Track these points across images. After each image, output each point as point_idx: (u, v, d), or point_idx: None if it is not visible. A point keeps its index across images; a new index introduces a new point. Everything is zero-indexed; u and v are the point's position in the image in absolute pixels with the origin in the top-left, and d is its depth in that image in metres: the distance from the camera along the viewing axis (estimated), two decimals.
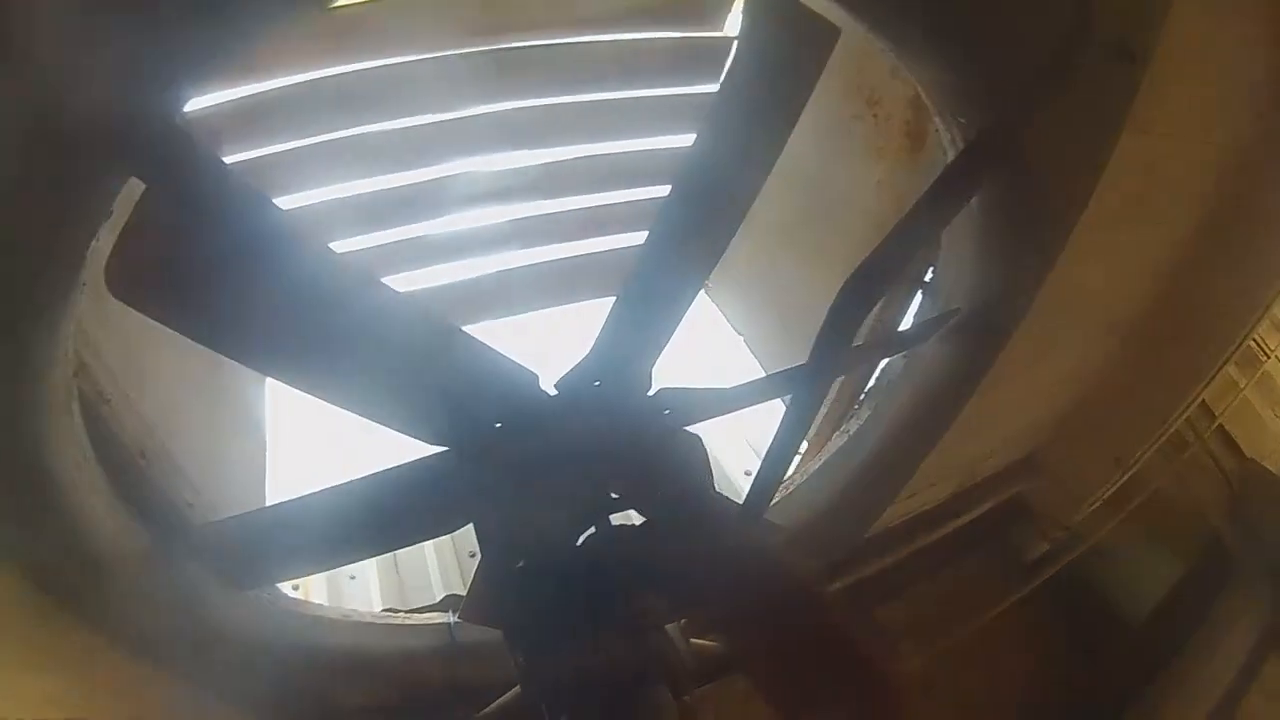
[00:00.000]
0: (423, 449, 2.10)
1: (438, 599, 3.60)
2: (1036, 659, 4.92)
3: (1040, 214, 2.59)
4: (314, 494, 2.16)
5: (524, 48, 3.63)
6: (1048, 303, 2.82)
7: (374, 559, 3.85)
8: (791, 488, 3.25)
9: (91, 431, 2.03)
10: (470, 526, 2.23)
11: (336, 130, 3.63)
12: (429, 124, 3.78)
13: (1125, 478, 4.12)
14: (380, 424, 1.97)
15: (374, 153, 3.80)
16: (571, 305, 4.97)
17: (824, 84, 2.09)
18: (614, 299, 2.10)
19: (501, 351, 1.97)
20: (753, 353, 4.79)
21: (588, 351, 2.09)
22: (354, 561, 3.64)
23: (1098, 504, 4.23)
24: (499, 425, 2.00)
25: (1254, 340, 4.25)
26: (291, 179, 3.66)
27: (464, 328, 1.96)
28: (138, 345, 2.57)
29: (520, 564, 1.99)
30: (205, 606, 2.43)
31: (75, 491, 1.97)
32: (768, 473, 2.24)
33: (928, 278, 2.97)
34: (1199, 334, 3.65)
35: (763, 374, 4.00)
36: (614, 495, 2.08)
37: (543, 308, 4.93)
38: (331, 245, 1.87)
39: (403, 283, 4.25)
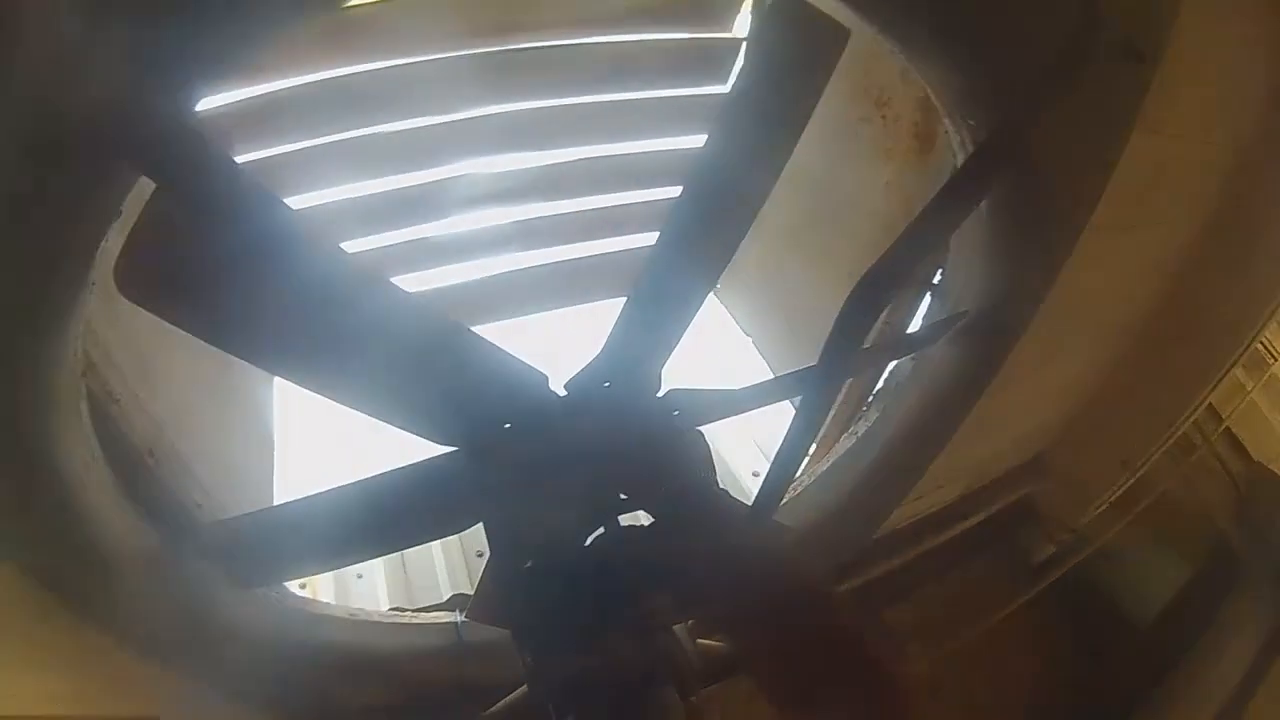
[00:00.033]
0: (431, 449, 2.11)
1: (445, 598, 3.61)
2: (1043, 661, 4.92)
3: (1049, 215, 2.58)
4: (322, 493, 2.16)
5: (532, 48, 3.62)
6: (1056, 305, 2.82)
7: (381, 558, 3.85)
8: (800, 489, 3.24)
9: (100, 431, 2.03)
10: (478, 526, 2.23)
11: (342, 131, 3.62)
12: (436, 124, 3.78)
13: (1132, 480, 4.12)
14: (389, 424, 1.98)
15: (380, 153, 3.80)
16: (579, 307, 4.96)
17: (832, 86, 2.09)
18: (624, 300, 2.10)
19: (511, 352, 1.97)
20: (761, 354, 4.78)
21: (598, 352, 2.09)
22: (362, 561, 3.65)
23: (1105, 506, 4.23)
24: (508, 426, 2.00)
25: (1261, 343, 4.24)
26: (297, 179, 3.66)
27: (472, 329, 1.96)
28: (147, 345, 2.57)
29: (529, 564, 1.99)
30: (213, 605, 2.43)
31: (84, 490, 1.97)
32: (777, 474, 2.23)
33: (936, 280, 2.97)
34: (1206, 336, 3.65)
35: (771, 375, 4.01)
36: (623, 496, 2.07)
37: (550, 309, 4.92)
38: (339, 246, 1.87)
39: (410, 283, 4.24)
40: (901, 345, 3.00)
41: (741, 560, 1.83)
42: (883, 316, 3.21)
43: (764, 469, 4.29)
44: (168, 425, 2.56)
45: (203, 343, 1.69)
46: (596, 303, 4.98)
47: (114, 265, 1.51)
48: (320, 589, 3.66)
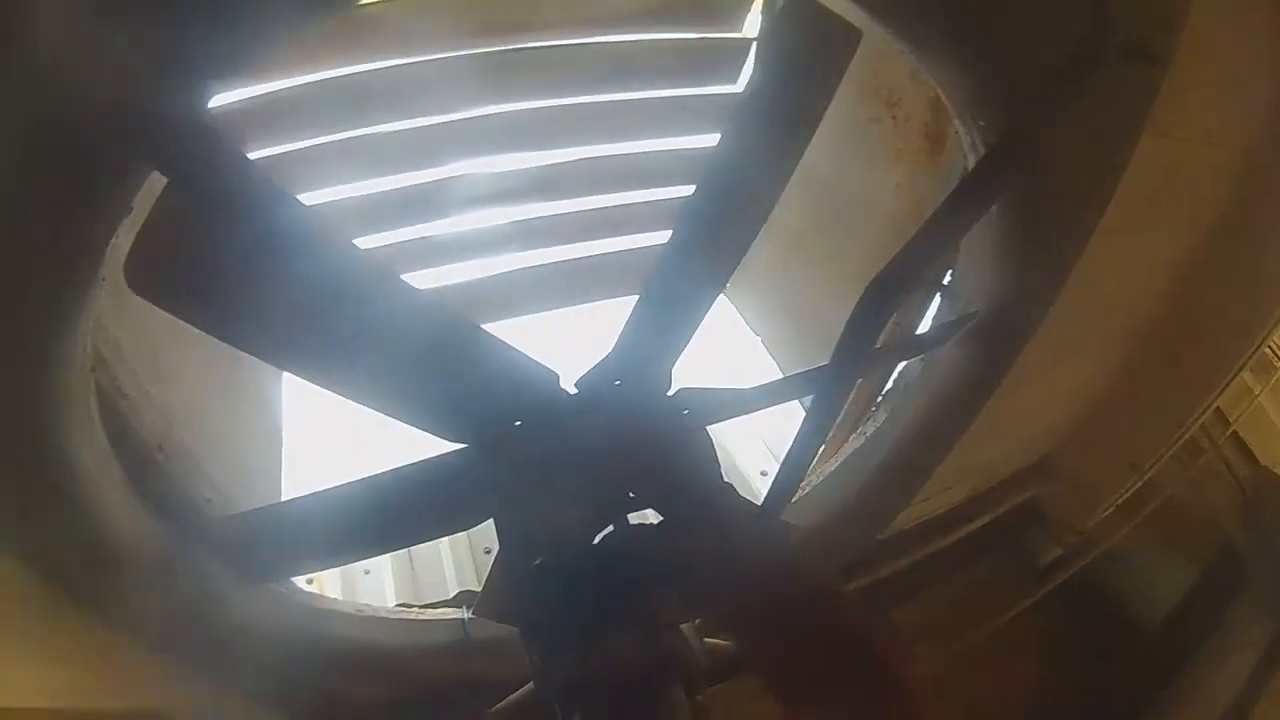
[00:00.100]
0: (440, 446, 2.11)
1: (452, 595, 3.61)
2: (1048, 663, 4.92)
3: (1058, 218, 2.58)
4: (331, 489, 2.17)
5: (539, 48, 3.62)
6: (1064, 307, 2.81)
7: (389, 554, 3.85)
8: (808, 489, 3.25)
9: (109, 426, 2.03)
10: (485, 523, 2.24)
11: (346, 130, 3.62)
12: (440, 124, 3.77)
13: (1140, 483, 4.12)
14: (399, 420, 1.98)
15: (383, 153, 3.79)
16: (584, 306, 4.96)
17: (842, 86, 2.09)
18: (631, 299, 2.11)
19: (522, 350, 1.98)
20: (770, 354, 4.78)
21: (609, 351, 2.10)
22: (370, 557, 3.66)
23: (1111, 509, 4.23)
24: (519, 423, 2.01)
25: (1269, 347, 4.23)
26: (300, 178, 3.66)
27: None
28: (156, 341, 2.58)
29: (538, 561, 1.99)
30: (220, 600, 2.43)
31: (92, 485, 1.97)
32: (787, 474, 2.24)
33: (945, 280, 2.97)
34: (1214, 339, 3.64)
35: (780, 375, 4.01)
36: (632, 494, 2.08)
37: (555, 308, 4.92)
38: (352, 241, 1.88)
39: (419, 281, 4.24)
40: (911, 346, 3.01)
41: (750, 559, 1.84)
42: (893, 317, 3.21)
43: (772, 468, 4.31)
44: (177, 420, 2.56)
45: (212, 339, 1.70)
46: (602, 302, 4.98)
47: (125, 261, 1.51)
48: (327, 584, 3.66)
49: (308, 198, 3.78)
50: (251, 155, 3.27)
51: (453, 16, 3.42)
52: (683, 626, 2.09)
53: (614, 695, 1.86)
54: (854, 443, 3.31)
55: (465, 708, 2.91)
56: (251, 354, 1.85)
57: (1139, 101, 2.38)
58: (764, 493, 2.24)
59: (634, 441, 2.05)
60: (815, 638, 1.68)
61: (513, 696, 2.66)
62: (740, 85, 3.96)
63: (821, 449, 3.06)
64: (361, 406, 1.93)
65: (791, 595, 1.76)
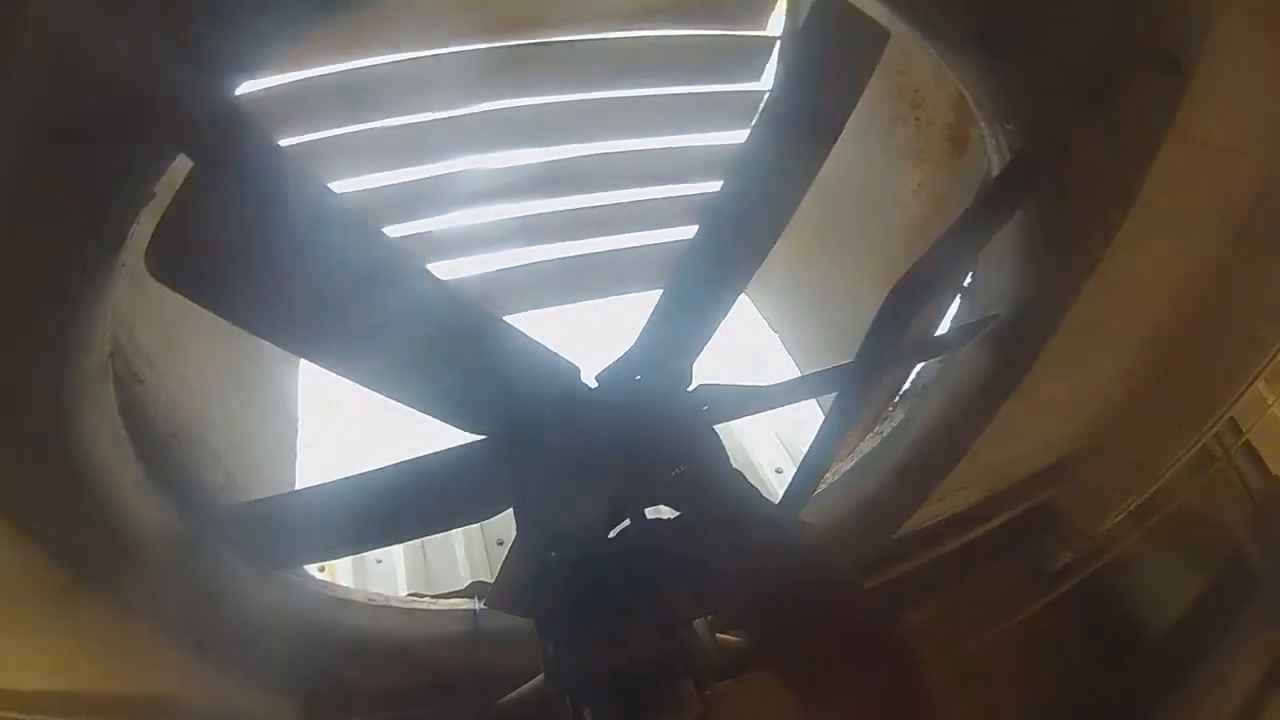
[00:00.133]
0: (457, 437, 2.11)
1: (464, 585, 3.62)
2: (1058, 667, 4.91)
3: (1080, 222, 2.58)
4: (347, 478, 2.17)
5: (559, 42, 3.62)
6: (1083, 311, 2.81)
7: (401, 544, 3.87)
8: (822, 487, 3.25)
9: (124, 412, 2.04)
10: (499, 515, 2.25)
11: (359, 123, 3.62)
12: (457, 117, 3.76)
13: (1153, 490, 4.12)
14: (418, 410, 1.97)
15: (399, 146, 3.79)
16: (602, 301, 4.97)
17: (866, 87, 2.09)
18: (652, 293, 2.11)
19: (543, 343, 1.98)
20: (789, 351, 4.78)
21: (630, 345, 2.10)
22: (384, 547, 3.66)
23: (1124, 515, 4.23)
24: (538, 415, 2.01)
25: None
26: (321, 170, 3.66)
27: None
28: (173, 328, 2.58)
29: (553, 554, 1.99)
30: (232, 587, 2.44)
31: (108, 471, 1.98)
32: (806, 473, 2.24)
33: (966, 282, 2.97)
34: (1230, 348, 3.63)
35: (798, 373, 4.01)
36: (650, 489, 2.08)
37: (572, 302, 4.92)
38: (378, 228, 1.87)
39: (439, 272, 4.25)
40: (930, 347, 3.00)
41: (767, 556, 1.83)
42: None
43: (786, 465, 4.31)
44: (192, 407, 2.57)
45: (229, 326, 1.69)
46: (618, 297, 4.98)
47: (145, 248, 1.51)
48: (339, 573, 3.67)
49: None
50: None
51: (467, 11, 3.41)
52: (694, 622, 2.10)
53: (625, 688, 1.86)
54: (870, 442, 3.31)
55: (474, 698, 2.92)
56: (272, 341, 1.84)
57: (1163, 109, 2.38)
58: (778, 490, 2.24)
59: (653, 436, 2.05)
60: (832, 632, 1.68)
61: (523, 688, 2.65)
62: (763, 82, 3.96)
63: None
64: (379, 395, 1.93)
65: (809, 591, 1.75)
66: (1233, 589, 4.92)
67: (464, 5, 3.39)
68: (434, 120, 3.72)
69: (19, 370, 1.70)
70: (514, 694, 2.63)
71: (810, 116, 2.05)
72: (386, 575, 3.86)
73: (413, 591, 3.59)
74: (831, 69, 2.03)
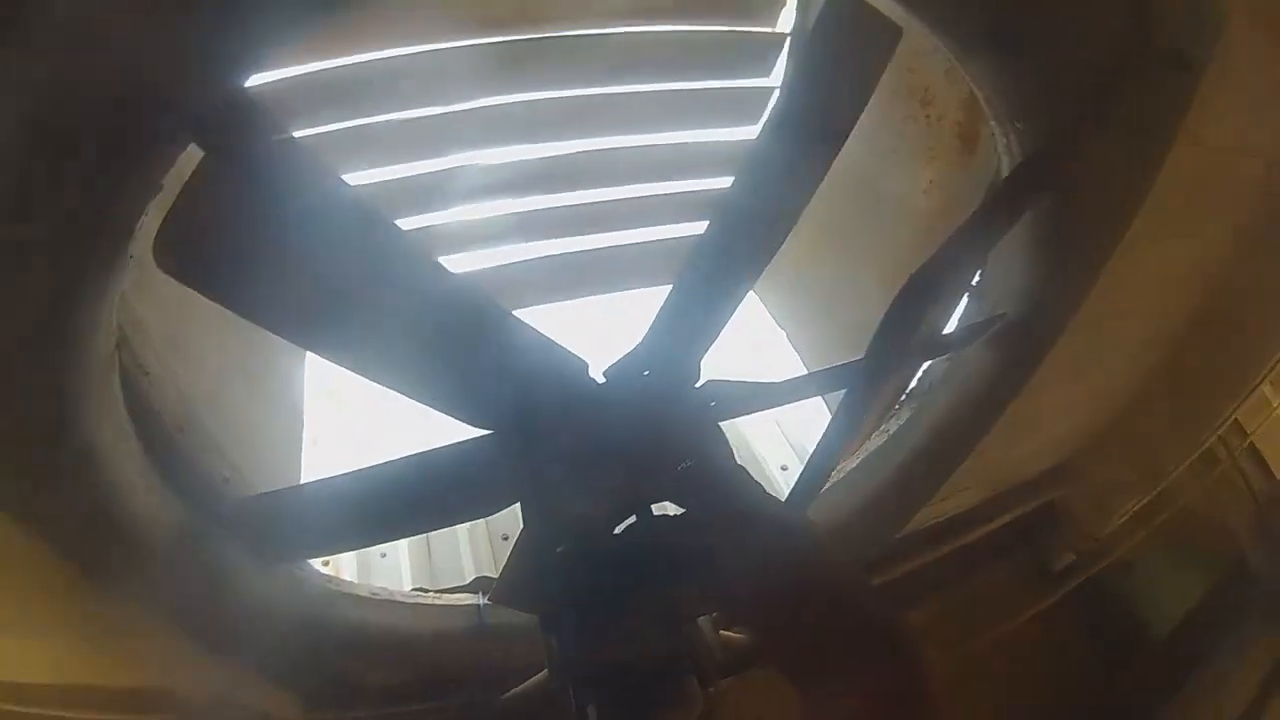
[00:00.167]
0: (463, 431, 2.11)
1: (468, 580, 3.62)
2: (1059, 668, 4.90)
3: (1089, 222, 2.57)
4: (353, 472, 2.18)
5: (568, 37, 3.61)
6: (1091, 312, 2.81)
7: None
8: (828, 485, 3.24)
9: (131, 404, 2.04)
10: (504, 510, 2.25)
11: (359, 117, 3.61)
12: (461, 111, 3.76)
13: (1157, 491, 4.11)
14: (425, 404, 1.98)
15: (395, 140, 3.78)
16: (607, 296, 4.96)
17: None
18: (657, 289, 2.11)
19: (551, 337, 1.98)
20: (795, 348, 4.78)
21: (639, 341, 2.10)
22: (390, 541, 3.67)
23: (1127, 516, 4.23)
24: (546, 411, 2.01)
25: None
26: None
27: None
28: (179, 320, 2.58)
29: (559, 549, 1.99)
30: (236, 580, 2.43)
31: (113, 463, 1.97)
32: (813, 471, 2.24)
33: (974, 281, 2.96)
34: (1237, 349, 3.63)
35: (804, 371, 4.01)
36: (656, 485, 2.08)
37: (577, 297, 4.91)
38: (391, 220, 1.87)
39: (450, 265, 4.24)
40: (938, 346, 3.00)
41: (774, 554, 1.83)
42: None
43: (792, 462, 4.30)
44: (198, 400, 2.56)
45: (235, 318, 1.69)
46: (622, 293, 4.97)
47: (154, 239, 1.51)
48: (343, 567, 3.67)
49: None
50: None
51: (471, 6, 3.41)
52: (699, 619, 2.10)
53: (629, 685, 1.86)
54: (876, 441, 3.31)
55: (479, 693, 2.92)
56: (279, 334, 1.84)
57: (1173, 109, 2.37)
58: (783, 486, 2.25)
59: (660, 432, 2.05)
60: (836, 629, 1.68)
61: (527, 683, 2.66)
62: (772, 78, 3.95)
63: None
64: (385, 389, 1.93)
65: (814, 588, 1.75)
66: (1236, 591, 4.91)
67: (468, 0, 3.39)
68: (438, 115, 3.71)
69: (25, 361, 1.69)
70: (518, 689, 2.64)
71: (821, 115, 2.05)
72: (391, 569, 3.85)
73: (417, 586, 3.59)
74: (844, 67, 2.02)
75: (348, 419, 4.82)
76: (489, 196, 4.20)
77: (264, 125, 1.47)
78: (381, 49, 3.36)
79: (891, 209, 3.81)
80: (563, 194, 4.38)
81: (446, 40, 3.43)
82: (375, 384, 1.90)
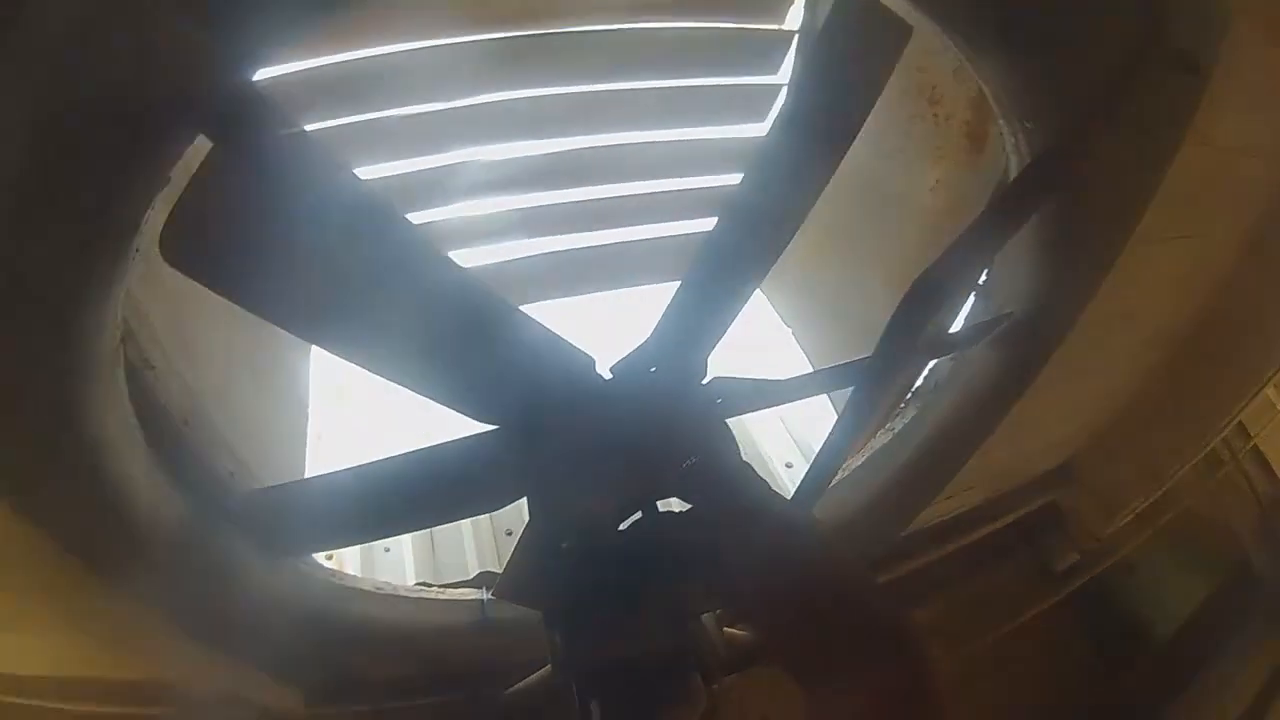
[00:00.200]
0: (469, 426, 2.11)
1: (471, 575, 3.62)
2: (1061, 669, 4.91)
3: (1097, 222, 2.57)
4: (357, 467, 2.18)
5: (573, 33, 3.61)
6: (1097, 312, 2.80)
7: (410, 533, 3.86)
8: (833, 483, 3.24)
9: (135, 398, 2.03)
10: (509, 505, 2.25)
11: (365, 113, 3.61)
12: (466, 107, 3.75)
13: (1161, 492, 4.11)
14: (431, 399, 1.98)
15: (407, 135, 3.78)
16: (612, 292, 4.95)
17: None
18: (661, 285, 2.11)
19: (558, 333, 1.98)
20: (801, 347, 4.78)
21: (646, 337, 2.10)
22: (395, 536, 3.66)
23: (1130, 517, 4.23)
24: (552, 406, 2.01)
25: None
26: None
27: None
28: (185, 313, 2.58)
29: (564, 545, 1.99)
30: (239, 574, 2.43)
31: (117, 457, 1.96)
32: (820, 469, 2.24)
33: (981, 280, 2.96)
34: (1242, 350, 3.63)
35: (810, 368, 4.00)
36: (662, 481, 2.07)
37: (582, 294, 4.91)
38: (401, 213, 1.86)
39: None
40: (944, 345, 3.00)
41: (777, 550, 1.83)
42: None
43: (797, 459, 4.30)
44: (203, 393, 2.56)
45: (241, 312, 1.69)
46: (627, 289, 4.97)
47: (160, 233, 1.51)
48: (346, 561, 3.67)
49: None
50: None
51: (477, 1, 3.41)
52: (703, 616, 2.10)
53: (633, 681, 1.86)
54: (881, 439, 3.30)
55: (482, 688, 2.92)
56: (285, 328, 1.84)
57: (1181, 110, 2.37)
58: (788, 484, 2.24)
59: (667, 428, 2.05)
60: (841, 626, 1.68)
61: (530, 679, 2.66)
62: (780, 76, 3.95)
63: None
64: (391, 383, 1.93)
65: (819, 586, 1.75)
66: (1239, 593, 4.91)
67: None
68: (444, 110, 3.71)
69: (29, 355, 1.69)
70: (521, 684, 2.64)
71: (831, 114, 2.05)
72: (394, 564, 3.85)
73: (420, 581, 3.59)
74: (853, 65, 2.02)
75: (353, 413, 4.81)
76: (494, 192, 4.20)
77: (273, 118, 1.46)
78: (386, 44, 3.35)
79: (898, 208, 3.81)
80: (568, 190, 4.38)
81: (453, 35, 3.43)
82: (381, 378, 1.90)
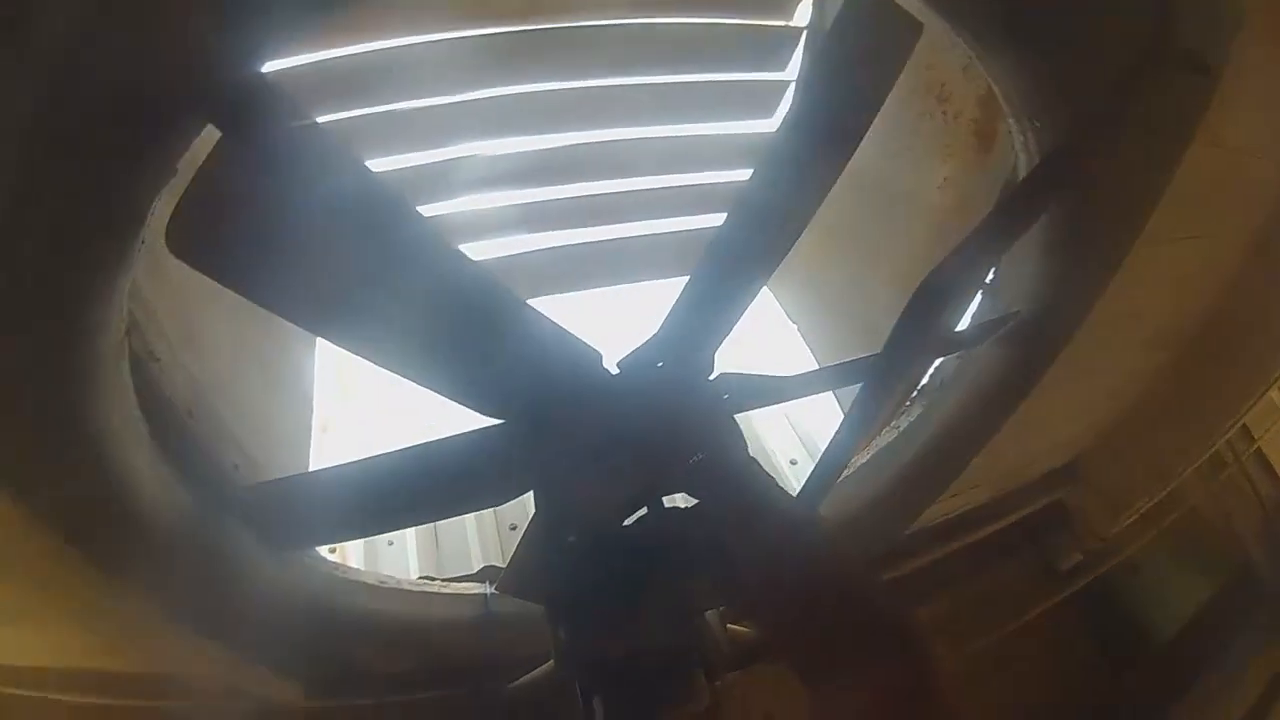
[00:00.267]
0: (474, 420, 2.11)
1: (475, 569, 3.62)
2: (1064, 669, 4.91)
3: (1105, 221, 2.57)
4: (363, 460, 2.17)
5: (581, 27, 3.60)
6: (1104, 311, 2.80)
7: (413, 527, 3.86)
8: (839, 480, 3.24)
9: (140, 390, 2.02)
10: (513, 500, 2.25)
11: (368, 106, 3.60)
12: (472, 100, 3.75)
13: (1165, 492, 4.11)
14: (437, 392, 1.97)
15: (412, 129, 3.77)
16: (617, 287, 4.95)
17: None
18: (664, 281, 2.11)
19: (565, 328, 1.98)
20: (807, 344, 4.77)
21: (654, 332, 2.10)
22: (398, 529, 3.66)
23: (1135, 517, 4.23)
24: (559, 401, 2.01)
25: None
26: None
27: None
28: (190, 306, 2.57)
29: (569, 540, 1.99)
30: (243, 567, 2.42)
31: (121, 449, 1.96)
32: (826, 466, 2.24)
33: (989, 279, 2.95)
34: (1249, 352, 3.63)
35: (816, 365, 4.00)
36: (668, 476, 2.07)
37: (587, 288, 4.90)
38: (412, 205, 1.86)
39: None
40: (951, 343, 2.99)
41: (782, 547, 1.83)
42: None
43: (802, 456, 4.30)
44: (208, 386, 2.56)
45: (246, 304, 1.68)
46: (632, 284, 4.96)
47: (167, 224, 1.50)
48: (350, 555, 3.67)
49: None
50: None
51: None
52: (708, 612, 2.10)
53: (636, 677, 1.86)
54: (886, 437, 3.30)
55: (485, 682, 2.92)
56: (291, 320, 1.83)
57: (1191, 110, 2.37)
58: (793, 481, 2.24)
59: (673, 424, 2.04)
60: (845, 623, 1.68)
61: (533, 673, 2.65)
62: (788, 72, 3.95)
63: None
64: (397, 377, 1.92)
65: (823, 582, 1.75)
66: (1241, 594, 4.91)
67: None
68: (450, 104, 3.70)
69: (33, 347, 1.68)
70: (524, 679, 2.63)
71: (840, 113, 2.04)
72: (398, 558, 3.85)
73: (424, 574, 3.59)
74: (863, 63, 2.02)
75: (358, 407, 4.81)
76: (499, 187, 4.20)
77: (282, 109, 1.46)
78: (390, 39, 3.35)
79: (906, 206, 3.80)
80: (573, 185, 4.37)
81: (458, 29, 3.42)
82: (387, 371, 1.89)
